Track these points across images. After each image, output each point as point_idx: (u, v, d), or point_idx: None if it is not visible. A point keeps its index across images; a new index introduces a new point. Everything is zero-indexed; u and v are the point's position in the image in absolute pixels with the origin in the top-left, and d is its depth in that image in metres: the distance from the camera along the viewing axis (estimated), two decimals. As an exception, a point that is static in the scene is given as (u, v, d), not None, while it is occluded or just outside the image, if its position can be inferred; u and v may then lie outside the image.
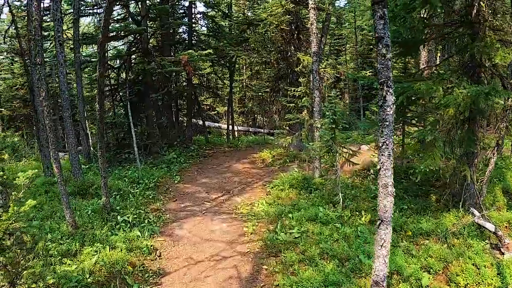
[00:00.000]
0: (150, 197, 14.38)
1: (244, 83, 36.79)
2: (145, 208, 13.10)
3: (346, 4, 32.50)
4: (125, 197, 13.98)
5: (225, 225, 12.15)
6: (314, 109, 14.91)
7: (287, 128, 17.10)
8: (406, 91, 10.52)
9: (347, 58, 37.34)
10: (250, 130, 35.21)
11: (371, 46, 32.60)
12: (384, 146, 5.67)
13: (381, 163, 5.72)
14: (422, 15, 11.41)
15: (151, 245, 10.57)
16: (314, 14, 15.03)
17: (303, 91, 15.42)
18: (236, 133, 29.45)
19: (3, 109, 30.33)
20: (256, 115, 38.99)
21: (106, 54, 19.96)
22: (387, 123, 5.65)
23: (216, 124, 35.52)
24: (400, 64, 23.06)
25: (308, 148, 16.48)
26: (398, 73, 20.45)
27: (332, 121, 12.61)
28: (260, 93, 30.01)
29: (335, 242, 9.95)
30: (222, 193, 15.44)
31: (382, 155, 5.71)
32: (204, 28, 28.61)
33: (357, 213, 11.66)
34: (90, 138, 24.21)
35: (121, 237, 10.41)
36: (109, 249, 9.76)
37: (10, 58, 33.09)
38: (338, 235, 10.22)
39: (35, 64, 9.23)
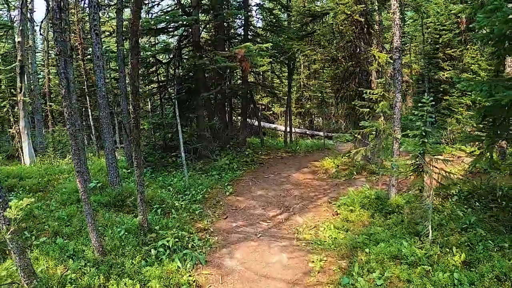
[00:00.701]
0: (197, 212, 12.29)
1: (302, 83, 34.66)
2: (190, 228, 10.99)
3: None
4: (167, 210, 12.02)
5: (286, 255, 9.82)
6: (394, 116, 12.36)
7: (359, 136, 14.47)
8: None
9: (411, 58, 34.15)
10: (307, 132, 32.90)
11: (437, 46, 29.35)
12: None
13: None
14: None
15: (194, 281, 8.46)
16: (396, 1, 12.45)
17: (381, 93, 12.79)
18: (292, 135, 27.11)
19: (53, 104, 29.61)
20: (313, 117, 36.65)
21: (155, 47, 18.14)
22: None
23: (272, 126, 33.37)
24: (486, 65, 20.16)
25: (383, 161, 13.96)
26: (490, 75, 17.49)
27: (423, 133, 10.03)
28: (320, 94, 27.63)
29: (429, 294, 7.44)
30: (281, 210, 13.15)
31: None
32: (259, 24, 26.58)
33: (447, 249, 8.95)
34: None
35: (156, 271, 8.31)
36: (140, 287, 7.71)
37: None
38: (431, 285, 7.66)
39: (55, 54, 7.31)
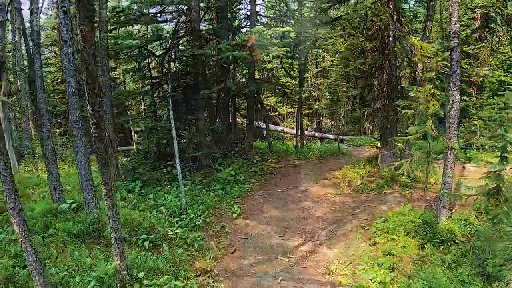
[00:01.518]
0: (196, 245, 9.45)
1: (310, 81, 32.09)
2: (187, 270, 8.18)
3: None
4: (157, 243, 9.23)
5: (321, 316, 7.08)
6: (450, 120, 9.59)
7: (401, 145, 11.56)
8: None
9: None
10: (316, 135, 30.18)
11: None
12: None
13: None
14: None
15: None
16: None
17: (430, 91, 9.90)
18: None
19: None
20: (321, 118, 33.93)
21: (146, 36, 15.23)
22: None
23: (279, 128, 30.66)
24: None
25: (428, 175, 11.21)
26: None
27: (507, 146, 7.28)
28: (333, 93, 24.93)
29: None
30: (303, 238, 10.38)
31: None
32: (264, 18, 23.83)
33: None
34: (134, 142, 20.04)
35: None
36: None
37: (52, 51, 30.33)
38: None
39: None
